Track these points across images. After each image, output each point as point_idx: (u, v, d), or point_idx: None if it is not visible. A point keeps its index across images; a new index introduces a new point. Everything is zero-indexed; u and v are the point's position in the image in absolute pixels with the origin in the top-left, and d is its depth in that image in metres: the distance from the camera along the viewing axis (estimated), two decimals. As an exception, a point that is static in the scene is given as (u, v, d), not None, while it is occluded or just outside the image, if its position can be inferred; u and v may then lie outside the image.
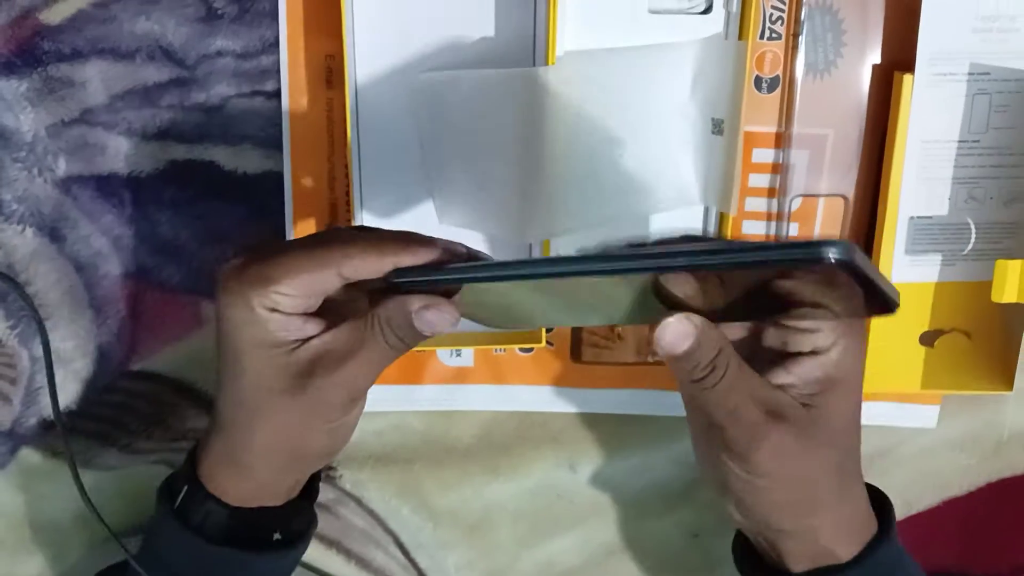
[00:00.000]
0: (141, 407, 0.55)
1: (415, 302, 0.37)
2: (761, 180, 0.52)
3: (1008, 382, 0.52)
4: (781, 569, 0.43)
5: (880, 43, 0.50)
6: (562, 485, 0.57)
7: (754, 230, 0.53)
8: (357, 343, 0.39)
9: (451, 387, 0.56)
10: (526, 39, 0.49)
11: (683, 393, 0.42)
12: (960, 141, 0.49)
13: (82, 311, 0.53)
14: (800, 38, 0.50)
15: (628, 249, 0.35)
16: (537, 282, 0.35)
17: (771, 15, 0.50)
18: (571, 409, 0.56)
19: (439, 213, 0.51)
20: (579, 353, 0.55)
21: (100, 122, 0.51)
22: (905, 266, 0.51)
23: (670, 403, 0.56)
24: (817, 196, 0.52)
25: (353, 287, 0.39)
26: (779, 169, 0.52)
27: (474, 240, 0.51)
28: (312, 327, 0.39)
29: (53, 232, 0.52)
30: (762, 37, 0.50)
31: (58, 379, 0.52)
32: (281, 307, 0.38)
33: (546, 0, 0.47)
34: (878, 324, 0.51)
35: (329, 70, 0.51)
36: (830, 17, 0.50)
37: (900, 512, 0.46)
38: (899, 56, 0.50)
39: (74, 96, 0.51)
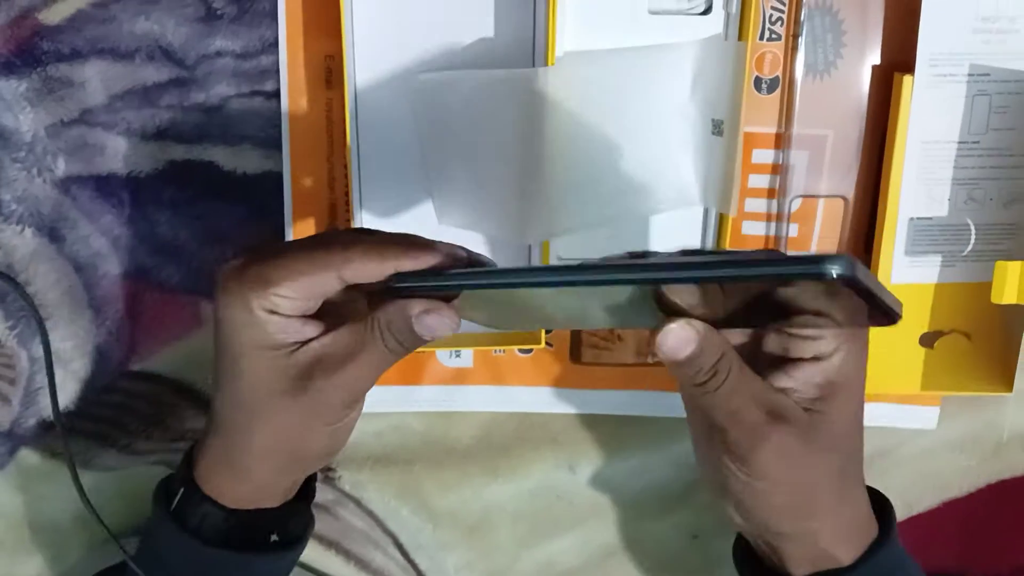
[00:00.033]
0: (140, 408, 0.55)
1: (416, 306, 0.37)
2: (761, 181, 0.52)
3: (1008, 383, 0.52)
4: (781, 572, 0.43)
5: (880, 44, 0.50)
6: (561, 486, 0.57)
7: (754, 231, 0.53)
8: (357, 346, 0.39)
9: (450, 388, 0.55)
10: (526, 40, 0.49)
11: (684, 395, 0.42)
12: (960, 142, 0.49)
13: (81, 311, 0.53)
14: (800, 39, 0.50)
15: (629, 259, 0.36)
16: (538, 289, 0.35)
17: (771, 16, 0.50)
18: (570, 410, 0.56)
19: (438, 213, 0.51)
20: (579, 354, 0.55)
21: (99, 122, 0.51)
22: (905, 267, 0.51)
23: (670, 404, 0.55)
24: (817, 197, 0.52)
25: (352, 288, 0.38)
26: (779, 170, 0.52)
27: (473, 240, 0.51)
28: (311, 329, 0.39)
29: (52, 232, 0.52)
30: (762, 38, 0.50)
31: (57, 379, 0.52)
32: (280, 309, 0.38)
33: (546, 1, 0.47)
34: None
35: (329, 70, 0.51)
36: (830, 18, 0.50)
37: (900, 513, 0.46)
38: (899, 57, 0.50)
39: (73, 96, 0.51)
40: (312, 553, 0.57)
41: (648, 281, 0.34)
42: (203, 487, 0.43)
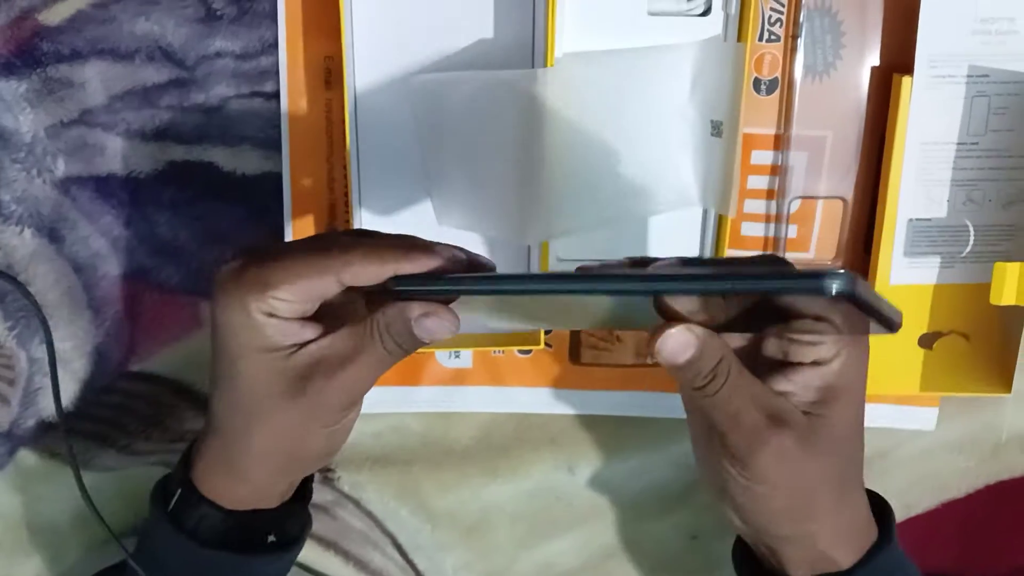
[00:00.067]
0: (140, 408, 0.55)
1: (415, 309, 0.37)
2: (760, 182, 0.52)
3: (1006, 384, 0.52)
4: (780, 575, 0.43)
5: (879, 45, 0.50)
6: (560, 487, 0.57)
7: (753, 232, 0.53)
8: (355, 348, 0.39)
9: (449, 389, 0.55)
10: (525, 41, 0.49)
11: (683, 397, 0.42)
12: (959, 143, 0.49)
13: (81, 312, 0.53)
14: (799, 40, 0.50)
15: (628, 268, 0.36)
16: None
17: (770, 17, 0.50)
18: (570, 411, 0.56)
19: (437, 214, 0.51)
20: (578, 355, 0.55)
21: (99, 123, 0.51)
22: (904, 268, 0.51)
23: (669, 405, 0.55)
24: (816, 198, 0.52)
25: (351, 290, 0.38)
26: (778, 171, 0.52)
27: (472, 241, 0.51)
28: (309, 331, 0.39)
29: (52, 233, 0.52)
30: (761, 39, 0.50)
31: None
32: (278, 312, 0.38)
33: (545, 2, 0.47)
34: (877, 327, 0.51)
35: (328, 71, 0.51)
36: (829, 19, 0.50)
37: (898, 514, 0.46)
38: (898, 58, 0.50)
39: (73, 97, 0.51)
40: (311, 554, 0.57)
41: (646, 292, 0.34)
42: (200, 488, 0.43)
